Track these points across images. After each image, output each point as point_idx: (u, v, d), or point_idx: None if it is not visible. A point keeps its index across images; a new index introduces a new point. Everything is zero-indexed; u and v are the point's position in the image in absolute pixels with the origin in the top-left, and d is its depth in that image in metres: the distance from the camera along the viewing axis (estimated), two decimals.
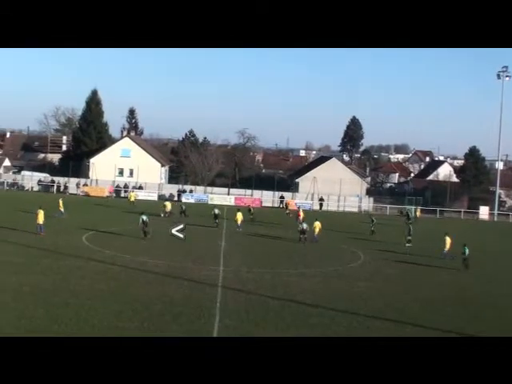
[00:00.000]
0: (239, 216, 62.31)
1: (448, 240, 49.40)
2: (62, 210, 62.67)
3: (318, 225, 55.75)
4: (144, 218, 52.13)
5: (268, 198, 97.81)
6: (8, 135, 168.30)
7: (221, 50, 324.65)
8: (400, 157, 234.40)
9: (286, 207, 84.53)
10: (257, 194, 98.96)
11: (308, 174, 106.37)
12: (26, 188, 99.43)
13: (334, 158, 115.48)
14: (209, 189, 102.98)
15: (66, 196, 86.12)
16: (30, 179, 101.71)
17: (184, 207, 71.89)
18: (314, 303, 32.88)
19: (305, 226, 55.07)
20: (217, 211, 64.20)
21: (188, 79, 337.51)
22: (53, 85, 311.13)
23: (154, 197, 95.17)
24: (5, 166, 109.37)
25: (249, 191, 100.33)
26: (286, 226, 65.97)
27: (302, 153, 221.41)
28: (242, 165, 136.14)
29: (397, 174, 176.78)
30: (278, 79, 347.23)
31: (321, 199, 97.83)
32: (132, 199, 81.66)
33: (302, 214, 66.42)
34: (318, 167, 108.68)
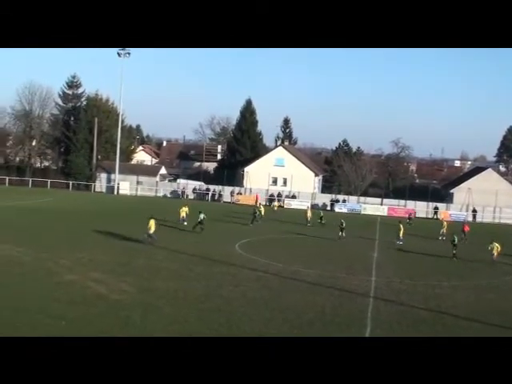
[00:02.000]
0: (401, 228, 59.47)
1: None
2: (184, 216, 62.43)
3: (497, 246, 49.11)
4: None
5: (422, 209, 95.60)
6: (165, 144, 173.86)
7: (375, 62, 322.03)
8: None
9: (409, 218, 79.65)
10: (410, 204, 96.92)
11: (463, 184, 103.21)
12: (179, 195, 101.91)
13: (489, 169, 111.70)
14: (362, 199, 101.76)
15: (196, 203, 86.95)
16: (186, 187, 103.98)
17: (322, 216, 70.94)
18: (467, 316, 31.62)
19: (456, 238, 52.50)
20: (202, 216, 58.26)
21: (342, 89, 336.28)
22: (209, 95, 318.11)
23: (308, 206, 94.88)
24: (161, 174, 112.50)
25: (402, 201, 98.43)
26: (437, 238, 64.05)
27: (457, 163, 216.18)
28: (395, 175, 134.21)
29: None
30: (430, 87, 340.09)
31: (474, 210, 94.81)
32: (275, 208, 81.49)
33: (467, 228, 63.72)
34: (473, 178, 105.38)
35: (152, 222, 47.84)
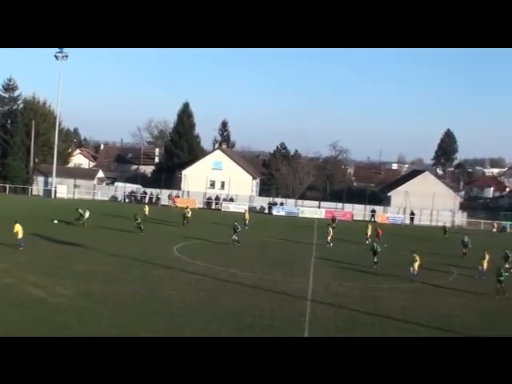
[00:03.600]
0: (330, 231, 60.45)
1: None
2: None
3: (416, 259, 45.01)
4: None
5: (359, 212, 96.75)
6: (102, 147, 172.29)
7: (312, 63, 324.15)
8: (495, 171, 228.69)
9: (333, 221, 77.81)
10: (348, 207, 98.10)
11: (400, 187, 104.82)
12: (119, 199, 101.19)
13: (427, 172, 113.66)
14: (299, 202, 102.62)
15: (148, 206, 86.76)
16: (123, 190, 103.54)
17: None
18: (404, 319, 32.33)
19: (376, 245, 50.82)
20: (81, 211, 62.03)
21: (279, 92, 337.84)
22: (146, 98, 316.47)
23: (246, 209, 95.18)
24: (98, 178, 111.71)
25: (340, 204, 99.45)
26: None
27: (395, 166, 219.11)
28: (333, 178, 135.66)
29: (492, 189, 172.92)
30: (369, 89, 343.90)
31: (411, 213, 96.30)
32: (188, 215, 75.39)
33: (380, 232, 64.11)
34: (410, 181, 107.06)
35: (18, 227, 46.39)
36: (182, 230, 62.40)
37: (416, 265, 43.84)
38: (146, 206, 74.77)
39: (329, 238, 59.92)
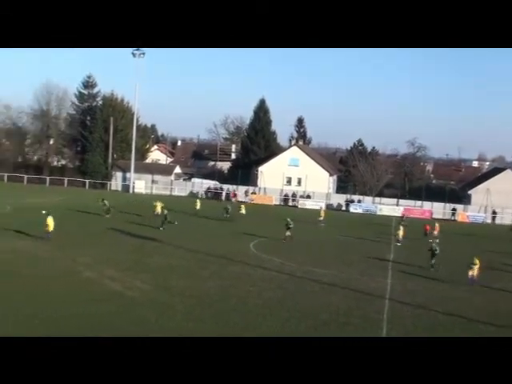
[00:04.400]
0: (401, 229, 59.65)
1: None
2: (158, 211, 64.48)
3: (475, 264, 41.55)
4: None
5: (438, 210, 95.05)
6: (179, 143, 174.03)
7: (390, 62, 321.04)
8: None
9: (402, 219, 77.52)
10: (427, 205, 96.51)
11: (481, 185, 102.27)
12: (198, 195, 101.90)
13: (508, 170, 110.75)
14: (377, 199, 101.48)
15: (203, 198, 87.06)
16: (200, 186, 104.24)
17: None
18: (487, 321, 31.48)
19: (434, 245, 46.61)
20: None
21: (356, 92, 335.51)
22: (223, 94, 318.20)
23: (322, 206, 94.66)
24: (176, 173, 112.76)
25: (419, 202, 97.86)
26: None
27: (475, 163, 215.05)
28: (411, 175, 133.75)
29: None
30: (446, 87, 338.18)
31: (493, 212, 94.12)
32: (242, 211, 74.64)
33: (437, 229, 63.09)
34: (491, 179, 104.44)
35: (50, 220, 46.30)
36: (259, 227, 62.21)
37: (475, 269, 40.66)
38: (198, 201, 75.56)
39: (400, 236, 58.89)
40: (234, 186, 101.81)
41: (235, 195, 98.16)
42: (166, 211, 58.71)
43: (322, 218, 71.01)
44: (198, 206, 72.34)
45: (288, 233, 54.64)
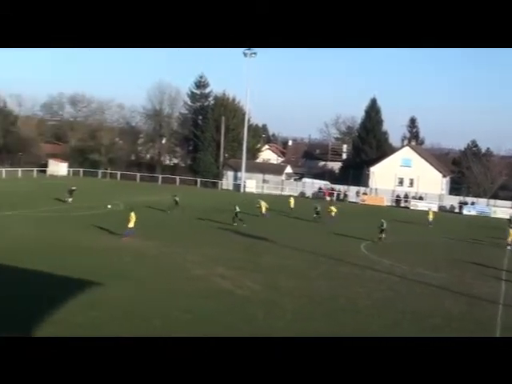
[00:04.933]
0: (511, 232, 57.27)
1: None
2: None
3: None
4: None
5: None
6: (290, 143, 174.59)
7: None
8: None
9: (510, 221, 73.34)
10: None
11: None
12: (307, 195, 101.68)
13: None
14: (491, 201, 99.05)
15: (334, 203, 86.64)
16: (311, 186, 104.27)
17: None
18: None
19: None
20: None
21: (470, 89, 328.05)
22: (334, 93, 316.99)
23: (435, 208, 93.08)
24: (286, 173, 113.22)
25: None
26: None
27: None
28: None
29: None
30: None
31: None
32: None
33: None
34: None
35: (133, 216, 45.83)
36: (370, 228, 61.64)
37: None
38: (291, 198, 75.45)
39: (510, 239, 56.71)
40: (345, 187, 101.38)
41: (330, 194, 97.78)
42: (237, 208, 58.13)
43: (430, 220, 69.88)
44: (292, 205, 72.26)
45: (382, 235, 53.47)
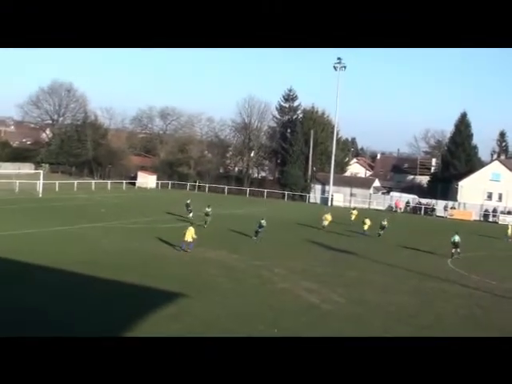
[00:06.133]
0: None
1: None
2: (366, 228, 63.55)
3: None
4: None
5: None
6: (378, 156, 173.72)
7: None
8: None
9: None
10: None
11: None
12: (394, 209, 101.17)
13: None
14: None
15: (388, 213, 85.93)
16: (399, 200, 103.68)
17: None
18: None
19: None
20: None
21: None
22: (423, 109, 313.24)
23: (510, 222, 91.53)
24: (374, 187, 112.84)
25: None
26: None
27: None
28: None
29: None
30: None
31: None
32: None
33: None
34: None
35: (189, 230, 44.34)
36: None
37: None
38: (354, 211, 74.05)
39: None
40: (434, 200, 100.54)
41: (403, 205, 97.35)
42: (263, 222, 54.19)
43: (510, 234, 69.06)
44: (353, 218, 70.93)
45: (454, 249, 51.83)
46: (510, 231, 69.85)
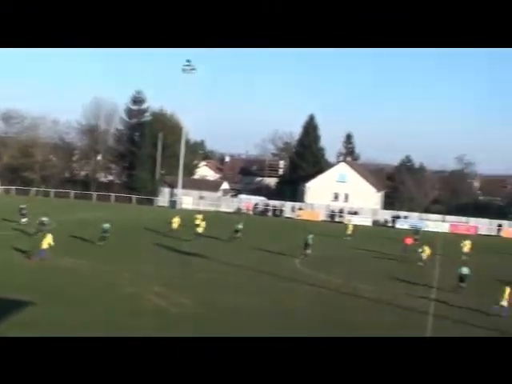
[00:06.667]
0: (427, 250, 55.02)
1: None
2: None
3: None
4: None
5: (484, 226, 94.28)
6: (227, 159, 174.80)
7: (437, 73, 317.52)
8: None
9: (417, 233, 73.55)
10: (473, 221, 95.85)
11: None
12: (244, 211, 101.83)
13: None
14: (424, 215, 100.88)
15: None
16: (247, 202, 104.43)
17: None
18: None
19: (465, 270, 42.30)
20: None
21: (404, 105, 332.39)
22: (270, 110, 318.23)
23: (368, 222, 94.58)
24: (223, 189, 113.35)
25: (464, 218, 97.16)
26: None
27: None
28: (458, 191, 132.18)
29: None
30: (499, 102, 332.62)
31: None
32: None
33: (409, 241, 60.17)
34: None
35: (46, 238, 43.39)
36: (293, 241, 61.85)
37: (506, 296, 35.26)
38: (198, 216, 66.64)
39: (424, 255, 53.93)
40: (282, 202, 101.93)
41: (252, 208, 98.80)
42: (107, 226, 52.86)
43: (350, 233, 71.40)
44: (198, 222, 63.12)
45: (307, 250, 52.77)
46: (349, 230, 72.13)
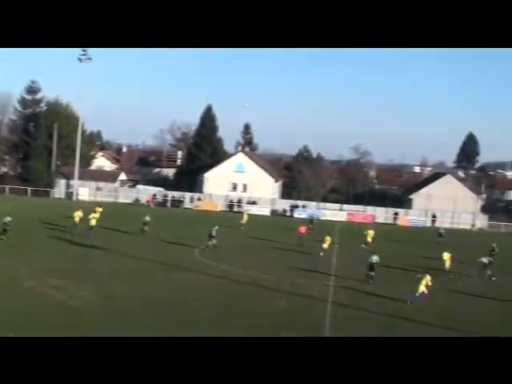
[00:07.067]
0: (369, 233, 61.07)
1: None
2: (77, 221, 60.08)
3: (447, 257, 47.07)
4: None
5: (381, 215, 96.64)
6: (124, 150, 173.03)
7: (333, 64, 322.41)
8: None
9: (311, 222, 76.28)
10: (370, 210, 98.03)
11: (422, 190, 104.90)
12: (142, 202, 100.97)
13: (448, 175, 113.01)
14: (321, 204, 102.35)
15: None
16: (146, 193, 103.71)
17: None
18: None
19: (374, 258, 43.20)
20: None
21: (303, 93, 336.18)
22: (168, 100, 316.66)
23: (267, 212, 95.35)
24: (120, 180, 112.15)
25: (361, 207, 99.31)
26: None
27: (417, 169, 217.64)
28: (355, 180, 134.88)
29: None
30: (392, 92, 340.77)
31: (433, 216, 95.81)
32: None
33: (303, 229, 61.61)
34: (432, 184, 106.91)
35: None
36: (203, 233, 61.82)
37: (423, 283, 36.80)
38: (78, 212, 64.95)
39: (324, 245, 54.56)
40: (180, 193, 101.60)
41: (153, 200, 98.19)
42: (7, 219, 51.63)
43: (244, 222, 72.03)
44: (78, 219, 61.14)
45: (212, 241, 52.87)
46: (244, 219, 72.81)
